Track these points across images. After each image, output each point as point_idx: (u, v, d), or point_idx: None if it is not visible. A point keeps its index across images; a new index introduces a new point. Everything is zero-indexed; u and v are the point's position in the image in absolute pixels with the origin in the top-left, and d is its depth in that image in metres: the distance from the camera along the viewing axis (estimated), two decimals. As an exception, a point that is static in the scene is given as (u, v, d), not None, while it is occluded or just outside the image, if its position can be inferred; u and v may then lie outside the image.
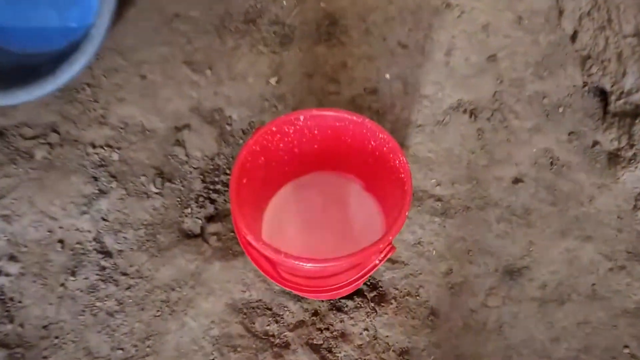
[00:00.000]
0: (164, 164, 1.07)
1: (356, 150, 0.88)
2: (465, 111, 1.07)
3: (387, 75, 1.11)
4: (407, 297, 0.94)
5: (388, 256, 0.72)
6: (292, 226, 0.94)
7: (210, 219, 1.02)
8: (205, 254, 0.98)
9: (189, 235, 1.01)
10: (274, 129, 0.82)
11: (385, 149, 0.82)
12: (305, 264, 0.69)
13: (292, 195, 0.97)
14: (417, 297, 0.93)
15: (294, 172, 0.96)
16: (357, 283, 0.76)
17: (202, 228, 1.01)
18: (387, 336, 0.91)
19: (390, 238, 0.72)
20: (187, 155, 1.08)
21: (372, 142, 0.84)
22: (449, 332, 0.91)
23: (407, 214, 0.74)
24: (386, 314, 0.92)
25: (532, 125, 1.06)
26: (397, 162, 0.79)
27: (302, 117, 0.83)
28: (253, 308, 0.94)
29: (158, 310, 0.94)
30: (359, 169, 0.94)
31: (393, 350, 0.90)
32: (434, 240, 0.97)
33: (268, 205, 0.95)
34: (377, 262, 0.73)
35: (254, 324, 0.93)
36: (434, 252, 0.97)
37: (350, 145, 0.88)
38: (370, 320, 0.92)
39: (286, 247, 0.91)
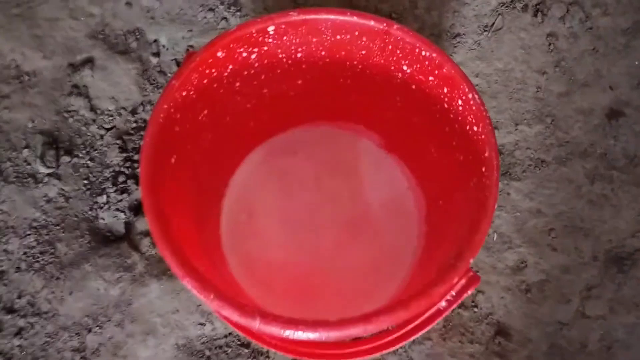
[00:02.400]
0: (58, 126, 0.68)
1: (372, 85, 0.50)
2: (526, 7, 0.69)
3: (398, -41, 0.70)
4: (459, 311, 0.60)
5: (465, 295, 0.37)
6: (270, 220, 0.58)
7: (138, 209, 0.65)
8: (136, 269, 0.62)
9: (107, 240, 0.64)
10: (220, 54, 0.44)
11: (431, 79, 0.45)
12: (306, 335, 0.34)
13: (264, 166, 0.59)
14: (475, 310, 0.60)
15: (266, 129, 0.58)
16: (407, 341, 0.41)
17: (128, 225, 0.64)
18: (433, 374, 0.58)
19: (470, 260, 0.36)
20: (92, 109, 0.68)
21: (405, 67, 0.46)
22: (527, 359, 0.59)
23: (495, 205, 0.38)
24: (429, 339, 0.60)
25: (629, 23, 0.69)
26: (460, 102, 0.42)
27: (272, 29, 0.44)
28: (220, 347, 0.60)
29: (70, 365, 0.59)
30: (374, 117, 0.56)
31: (445, 395, 0.58)
32: (493, 217, 0.62)
33: (227, 188, 0.57)
34: (444, 304, 0.38)
35: (224, 371, 0.59)
36: (495, 235, 0.62)
37: (361, 75, 0.50)
38: (405, 351, 0.59)
39: (261, 256, 0.56)
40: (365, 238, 0.57)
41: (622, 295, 0.60)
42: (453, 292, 0.37)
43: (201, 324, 0.61)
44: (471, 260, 0.36)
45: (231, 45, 0.44)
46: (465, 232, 0.37)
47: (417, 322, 0.39)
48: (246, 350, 0.61)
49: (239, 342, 0.61)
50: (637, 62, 0.68)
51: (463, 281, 0.37)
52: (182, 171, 0.45)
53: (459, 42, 0.68)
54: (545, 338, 0.60)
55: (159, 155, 0.40)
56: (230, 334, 0.61)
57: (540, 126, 0.66)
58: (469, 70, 0.67)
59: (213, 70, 0.44)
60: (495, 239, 0.63)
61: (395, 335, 0.41)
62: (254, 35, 0.44)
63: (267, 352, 0.61)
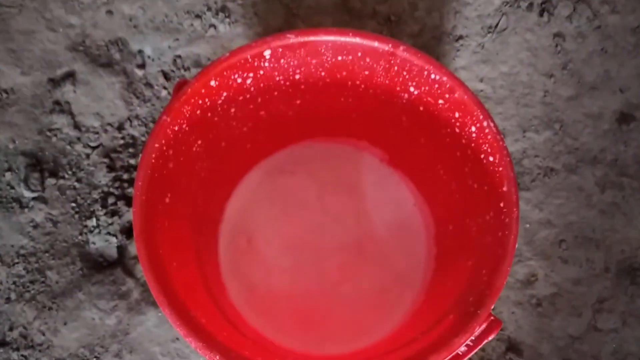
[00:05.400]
0: (41, 146, 0.65)
1: (375, 104, 0.47)
2: (531, 6, 0.66)
3: (395, -44, 0.66)
4: (469, 328, 0.58)
5: (487, 340, 0.35)
6: (270, 244, 0.55)
7: (130, 232, 0.62)
8: (132, 296, 0.60)
9: (100, 266, 0.61)
10: (213, 83, 0.41)
11: (441, 102, 0.41)
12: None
13: (262, 187, 0.57)
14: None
15: (263, 149, 0.55)
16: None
17: (121, 250, 0.62)
18: (443, 394, 0.57)
19: (491, 306, 0.34)
20: (76, 126, 0.65)
21: (412, 89, 0.43)
22: (540, 377, 0.57)
23: (515, 247, 0.35)
24: (439, 358, 0.57)
25: (639, 22, 0.66)
26: (474, 129, 0.39)
27: (267, 53, 0.41)
28: (224, 374, 0.57)
29: (67, 399, 0.57)
30: (377, 133, 0.54)
31: (455, 415, 0.56)
32: (502, 230, 0.60)
33: (224, 212, 0.55)
34: (464, 349, 0.36)
35: (228, 398, 0.56)
36: (504, 249, 0.60)
37: (363, 95, 0.47)
38: (415, 371, 0.57)
39: (263, 285, 0.54)
40: (371, 260, 0.55)
41: (635, 308, 0.59)
42: (473, 337, 0.35)
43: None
44: (492, 306, 0.34)
45: (225, 73, 0.40)
46: (485, 275, 0.35)
47: (435, 369, 0.37)
48: (251, 376, 0.59)
49: (242, 368, 0.59)
50: (647, 62, 0.65)
51: (484, 326, 0.35)
52: (178, 208, 0.42)
53: (461, 45, 0.65)
54: (557, 352, 0.59)
55: (152, 198, 0.37)
56: (233, 360, 0.59)
57: (549, 132, 0.63)
58: (473, 75, 0.64)
59: (206, 100, 0.41)
60: (503, 251, 0.61)
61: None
62: (249, 60, 0.41)
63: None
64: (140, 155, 0.38)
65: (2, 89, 0.66)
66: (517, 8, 0.66)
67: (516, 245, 0.36)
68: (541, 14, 0.65)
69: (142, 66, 0.67)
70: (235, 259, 0.54)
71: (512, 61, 0.65)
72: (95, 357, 0.59)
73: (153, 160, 0.37)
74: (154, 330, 0.59)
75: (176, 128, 0.39)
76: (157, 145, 0.38)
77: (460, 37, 0.65)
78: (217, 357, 0.32)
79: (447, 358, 0.37)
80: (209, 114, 0.42)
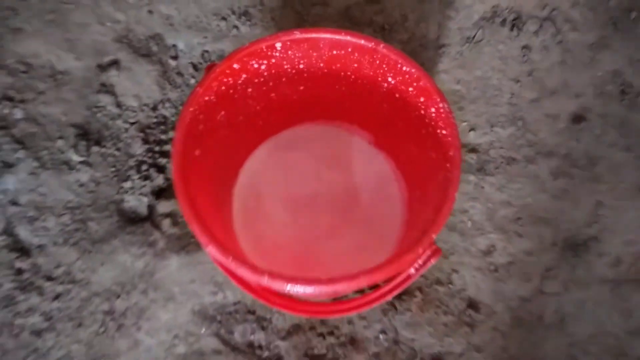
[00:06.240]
0: (88, 120, 0.77)
1: (363, 92, 0.59)
2: (504, 22, 0.77)
3: (392, -25, 0.79)
4: (436, 287, 0.70)
5: (429, 264, 0.46)
6: (275, 203, 0.67)
7: (159, 193, 0.74)
8: (158, 245, 0.71)
9: (132, 220, 0.73)
10: (236, 66, 0.53)
11: (411, 89, 0.53)
12: (303, 289, 0.43)
13: (270, 158, 0.69)
14: (450, 286, 0.70)
15: (272, 127, 0.67)
16: (381, 301, 0.50)
17: (151, 208, 0.73)
18: (412, 339, 0.68)
19: (434, 236, 0.45)
20: (118, 105, 0.77)
21: (390, 79, 0.55)
22: (493, 330, 0.68)
23: (455, 195, 0.47)
24: (409, 310, 0.69)
25: (595, 39, 0.77)
26: (433, 110, 0.51)
27: (279, 45, 0.53)
28: (230, 313, 0.70)
29: (101, 326, 0.69)
30: (366, 118, 0.66)
31: (421, 358, 0.67)
32: (468, 207, 0.72)
33: (238, 176, 0.67)
34: (413, 271, 0.47)
35: (232, 334, 0.69)
36: (470, 223, 0.72)
37: (354, 83, 0.59)
38: (389, 320, 0.69)
39: (267, 234, 0.65)
40: (355, 222, 0.66)
41: (575, 276, 0.70)
42: (420, 261, 0.47)
43: (214, 292, 0.71)
44: (434, 236, 0.46)
45: (244, 59, 0.53)
46: (431, 215, 0.46)
47: (392, 285, 0.49)
48: (252, 316, 0.71)
49: (246, 310, 0.71)
50: (600, 74, 0.76)
51: (428, 252, 0.46)
52: (204, 162, 0.54)
53: (443, 52, 0.77)
54: (509, 311, 0.70)
55: (186, 149, 0.49)
56: (239, 302, 0.71)
57: (513, 128, 0.75)
58: (452, 77, 0.76)
59: (229, 79, 0.53)
60: (469, 225, 0.72)
61: (375, 295, 0.50)
62: (264, 50, 0.53)
63: (270, 318, 0.71)
64: (178, 117, 0.51)
65: (58, 70, 0.80)
66: (492, 23, 0.78)
67: (455, 196, 0.47)
68: (512, 29, 0.77)
69: (175, 58, 0.80)
70: (246, 214, 0.66)
71: (485, 67, 0.77)
72: (126, 292, 0.71)
73: (188, 121, 0.50)
74: (175, 273, 0.71)
75: (206, 98, 0.52)
76: (191, 109, 0.50)
77: (443, 45, 0.77)
78: (230, 258, 0.44)
79: (401, 278, 0.48)
80: (231, 91, 0.55)
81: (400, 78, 0.53)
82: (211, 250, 0.44)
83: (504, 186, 0.73)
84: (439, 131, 0.51)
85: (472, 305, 0.70)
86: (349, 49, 0.54)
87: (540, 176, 0.73)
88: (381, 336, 0.69)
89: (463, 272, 0.71)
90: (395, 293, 0.49)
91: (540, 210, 0.72)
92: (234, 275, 0.49)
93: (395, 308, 0.70)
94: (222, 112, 0.56)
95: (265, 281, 0.42)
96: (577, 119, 0.75)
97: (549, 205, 0.72)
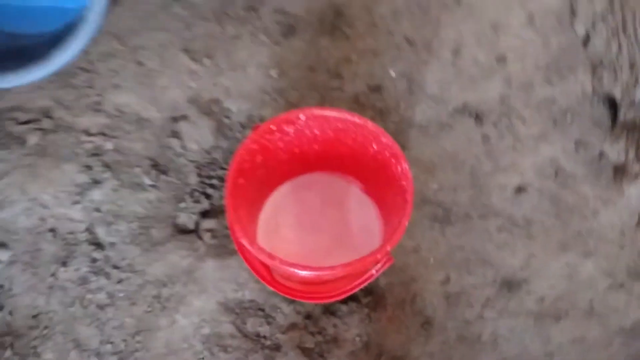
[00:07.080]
0: (159, 155, 1.04)
1: (357, 153, 0.85)
2: (471, 114, 1.04)
3: (393, 73, 1.08)
4: (402, 305, 0.92)
5: (385, 268, 0.70)
6: (289, 227, 0.92)
7: (205, 214, 0.99)
8: (199, 251, 0.96)
9: (183, 231, 0.98)
10: (273, 127, 0.80)
11: (387, 153, 0.79)
12: (299, 271, 0.67)
13: (289, 195, 0.94)
14: (413, 305, 0.92)
15: (293, 172, 0.94)
16: (351, 292, 0.74)
17: (197, 224, 0.99)
18: (380, 344, 0.89)
19: (389, 248, 0.69)
20: (183, 147, 1.05)
21: (374, 146, 0.81)
22: (443, 342, 0.89)
23: (406, 224, 0.71)
24: (380, 320, 0.91)
25: (539, 132, 1.03)
26: (399, 168, 0.77)
27: (302, 117, 0.80)
28: (245, 308, 0.92)
29: (149, 306, 0.92)
30: (359, 172, 0.92)
31: (386, 357, 0.88)
32: (432, 247, 0.95)
33: (265, 204, 0.93)
34: (374, 272, 0.71)
35: (245, 324, 0.91)
36: (432, 259, 0.95)
37: (352, 147, 0.85)
38: (364, 326, 0.90)
39: (281, 248, 0.90)
40: (347, 245, 0.90)
41: (508, 307, 0.91)
42: (379, 265, 0.70)
43: (236, 290, 0.93)
44: (389, 248, 0.69)
45: (279, 123, 0.80)
46: (390, 233, 0.71)
47: (359, 281, 0.72)
48: (261, 313, 0.93)
49: (257, 307, 0.94)
50: (540, 159, 1.01)
51: (384, 259, 0.70)
52: (244, 188, 0.80)
53: (424, 132, 1.04)
54: (455, 329, 0.90)
55: (235, 177, 0.76)
56: (253, 300, 0.93)
57: (471, 192, 0.99)
58: (429, 151, 1.02)
59: (267, 136, 0.81)
60: (432, 261, 0.95)
61: (347, 287, 0.73)
62: (292, 119, 0.80)
63: (274, 316, 0.93)
64: (232, 156, 0.77)
65: (142, 117, 1.08)
66: (462, 114, 1.05)
67: (406, 226, 0.71)
68: (476, 120, 1.04)
69: (228, 117, 1.08)
70: (267, 233, 0.90)
71: (454, 146, 1.02)
72: (171, 283, 0.94)
73: (238, 159, 0.76)
74: (209, 273, 0.94)
75: (251, 147, 0.79)
76: (241, 152, 0.77)
77: (424, 127, 1.04)
78: (256, 246, 0.68)
79: (366, 276, 0.72)
80: (268, 144, 0.81)
81: (381, 145, 0.79)
82: (243, 239, 0.69)
83: (460, 235, 0.96)
84: (402, 183, 0.76)
85: (428, 321, 0.91)
86: (348, 124, 0.81)
87: (488, 230, 0.96)
88: (357, 338, 0.90)
89: (424, 296, 0.93)
90: (362, 286, 0.72)
91: (486, 256, 0.95)
92: (253, 263, 0.73)
93: (370, 318, 0.92)
94: (260, 157, 0.82)
95: (278, 264, 0.67)
96: (520, 190, 0.99)
97: (493, 253, 0.95)
